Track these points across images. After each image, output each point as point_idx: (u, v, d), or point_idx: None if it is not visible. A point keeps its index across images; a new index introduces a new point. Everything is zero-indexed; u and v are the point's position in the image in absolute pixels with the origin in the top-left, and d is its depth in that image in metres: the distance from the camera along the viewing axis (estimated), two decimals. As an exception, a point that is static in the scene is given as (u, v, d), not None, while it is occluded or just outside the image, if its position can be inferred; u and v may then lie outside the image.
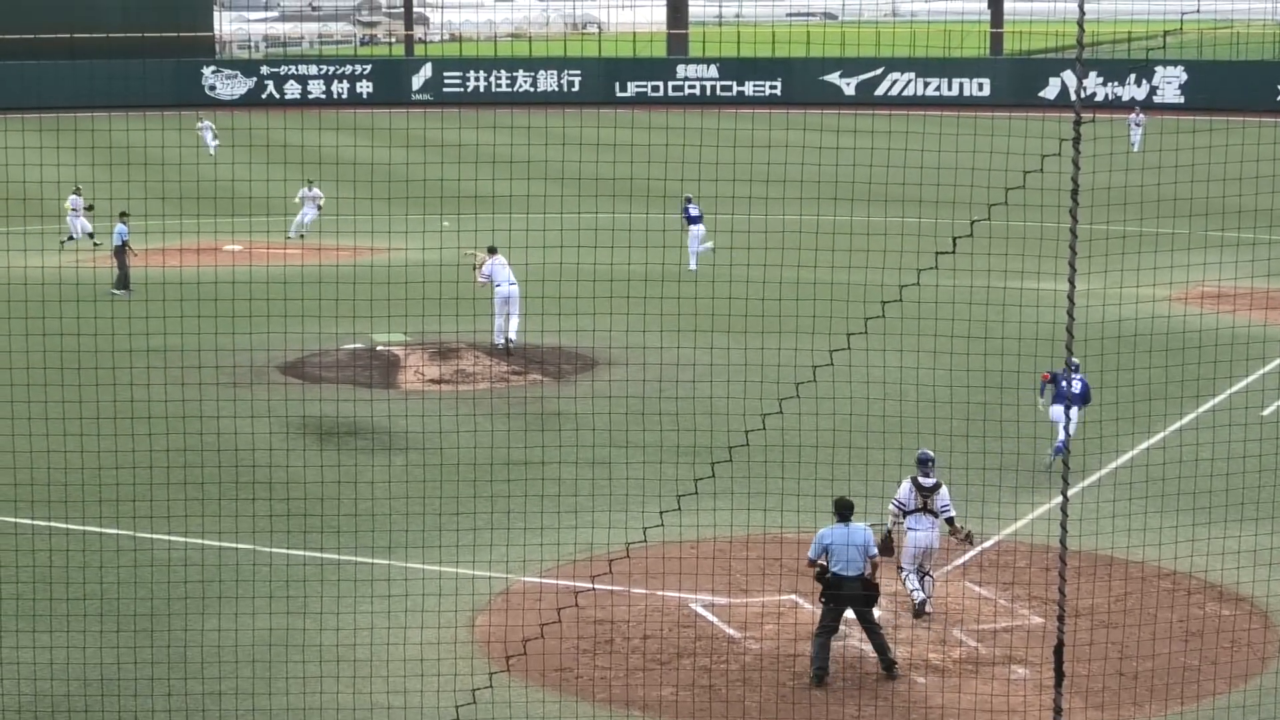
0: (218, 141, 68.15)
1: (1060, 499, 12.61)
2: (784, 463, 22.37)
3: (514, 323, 32.32)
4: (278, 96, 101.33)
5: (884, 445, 23.92)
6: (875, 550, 16.49)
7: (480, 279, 32.76)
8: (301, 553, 20.27)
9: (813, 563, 16.52)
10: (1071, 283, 12.29)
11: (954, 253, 15.69)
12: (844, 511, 16.51)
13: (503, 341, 32.23)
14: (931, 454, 18.69)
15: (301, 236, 48.44)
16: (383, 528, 21.38)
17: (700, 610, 18.30)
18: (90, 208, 44.98)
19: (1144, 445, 25.01)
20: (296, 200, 49.74)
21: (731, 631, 17.73)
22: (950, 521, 18.35)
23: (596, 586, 17.55)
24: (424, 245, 40.49)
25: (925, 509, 18.23)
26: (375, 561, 20.04)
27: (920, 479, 18.30)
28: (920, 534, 18.18)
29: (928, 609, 18.26)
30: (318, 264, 42.45)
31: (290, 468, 24.10)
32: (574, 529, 20.88)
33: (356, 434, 26.50)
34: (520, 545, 20.24)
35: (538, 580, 19.26)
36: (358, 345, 32.82)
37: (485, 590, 19.03)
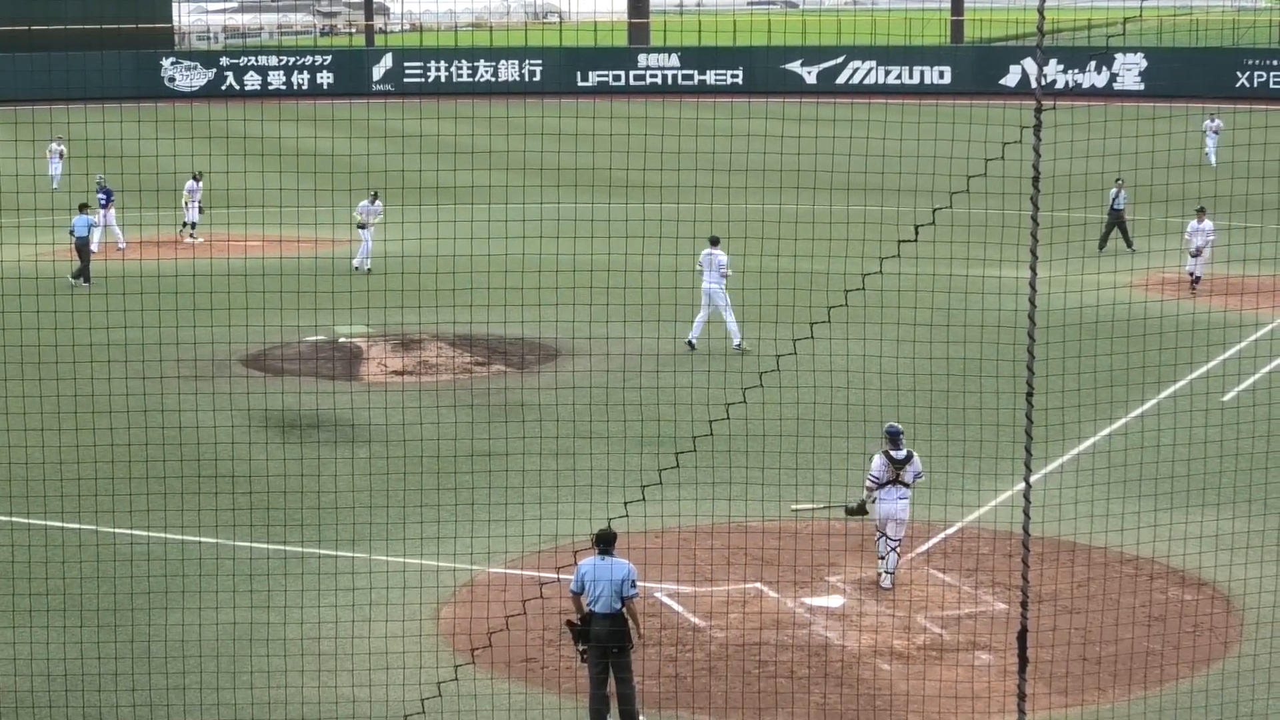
0: (59, 171, 57.60)
1: (1023, 485, 12.65)
2: (748, 452, 22.41)
3: (731, 325, 31.27)
4: (238, 88, 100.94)
5: (848, 434, 23.88)
6: (635, 590, 15.00)
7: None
8: (265, 546, 20.20)
9: (575, 596, 15.08)
10: (1033, 270, 12.31)
11: (916, 241, 15.80)
12: (603, 543, 15.12)
13: (692, 341, 31.54)
14: (900, 427, 19.05)
15: (369, 272, 40.90)
16: (346, 520, 21.33)
17: (665, 599, 18.31)
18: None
19: (1106, 431, 25.11)
20: (357, 216, 41.98)
21: (697, 620, 17.75)
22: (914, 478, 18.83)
23: (561, 577, 17.52)
24: (385, 236, 40.34)
25: (897, 480, 18.73)
26: (339, 554, 20.00)
27: (891, 452, 18.74)
28: (885, 505, 18.72)
29: (884, 583, 18.61)
30: (279, 256, 42.26)
31: (253, 461, 24.02)
32: (538, 520, 20.86)
33: (319, 427, 26.44)
34: (484, 537, 20.20)
35: (502, 571, 19.22)
36: (320, 337, 32.69)
37: (449, 582, 19.00)
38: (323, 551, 20.15)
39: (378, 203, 41.86)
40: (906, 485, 18.78)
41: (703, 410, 24.03)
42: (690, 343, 31.35)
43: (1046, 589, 18.34)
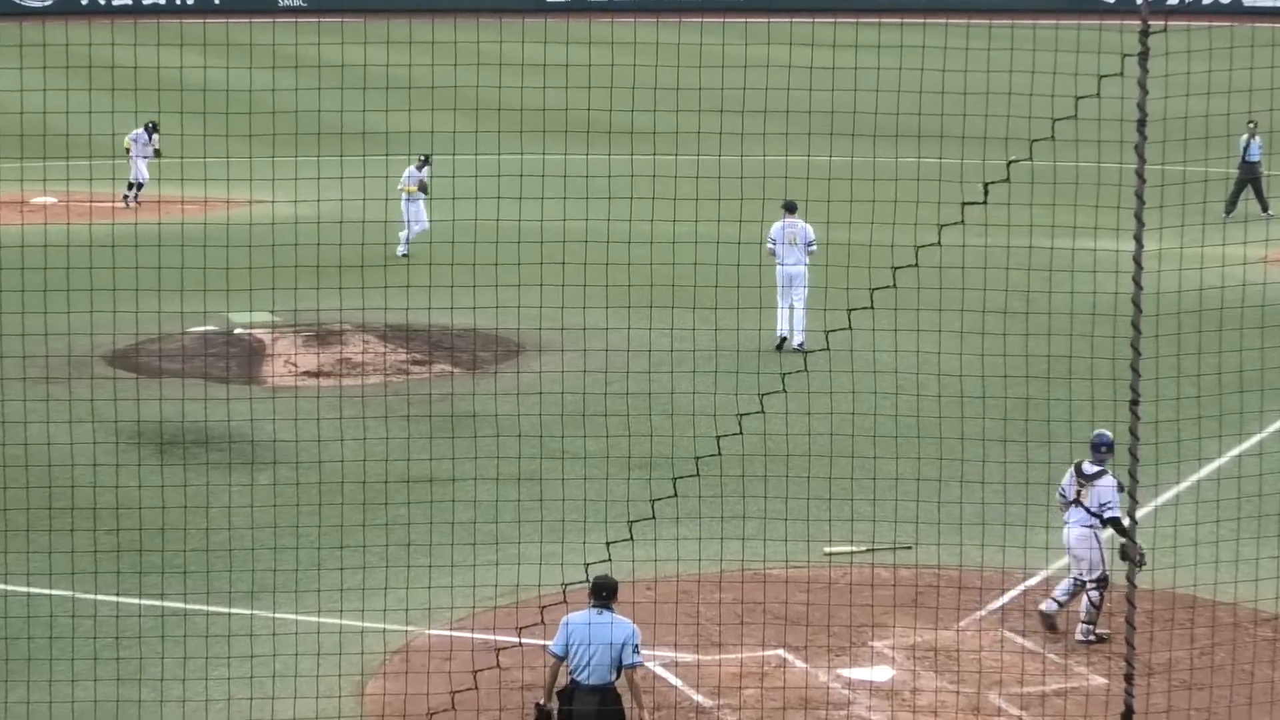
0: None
1: (1128, 521, 12.60)
2: (767, 477, 22.45)
3: (798, 317, 32.58)
4: (102, 2, 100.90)
5: (897, 453, 23.99)
6: (638, 658, 15.10)
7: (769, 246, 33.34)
8: (135, 601, 20.05)
9: (555, 662, 15.19)
10: (1138, 241, 12.30)
11: (986, 203, 15.85)
12: (602, 595, 15.20)
13: (779, 339, 32.68)
14: (1108, 435, 19.62)
15: (406, 256, 41.32)
16: (244, 566, 21.20)
17: (660, 670, 18.28)
18: None
19: (1234, 451, 25.14)
20: (401, 187, 42.34)
21: (701, 699, 17.70)
22: (1111, 523, 19.24)
23: (524, 641, 17.45)
24: (296, 196, 40.17)
25: (1078, 501, 19.66)
26: (234, 611, 19.95)
27: (1084, 465, 19.74)
28: (1065, 530, 19.79)
29: (1080, 635, 19.36)
30: (156, 221, 42.07)
31: (121, 489, 23.83)
32: (494, 566, 20.77)
33: (208, 444, 26.39)
34: (425, 588, 20.08)
35: (447, 633, 19.20)
36: (209, 328, 32.61)
37: (379, 647, 19.01)
38: (212, 608, 20.05)
39: (426, 168, 42.16)
40: (1088, 511, 19.53)
41: (708, 423, 23.80)
42: (783, 339, 32.47)
43: (1158, 658, 18.30)
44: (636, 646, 14.96)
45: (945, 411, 24.66)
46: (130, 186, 50.47)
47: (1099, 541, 19.52)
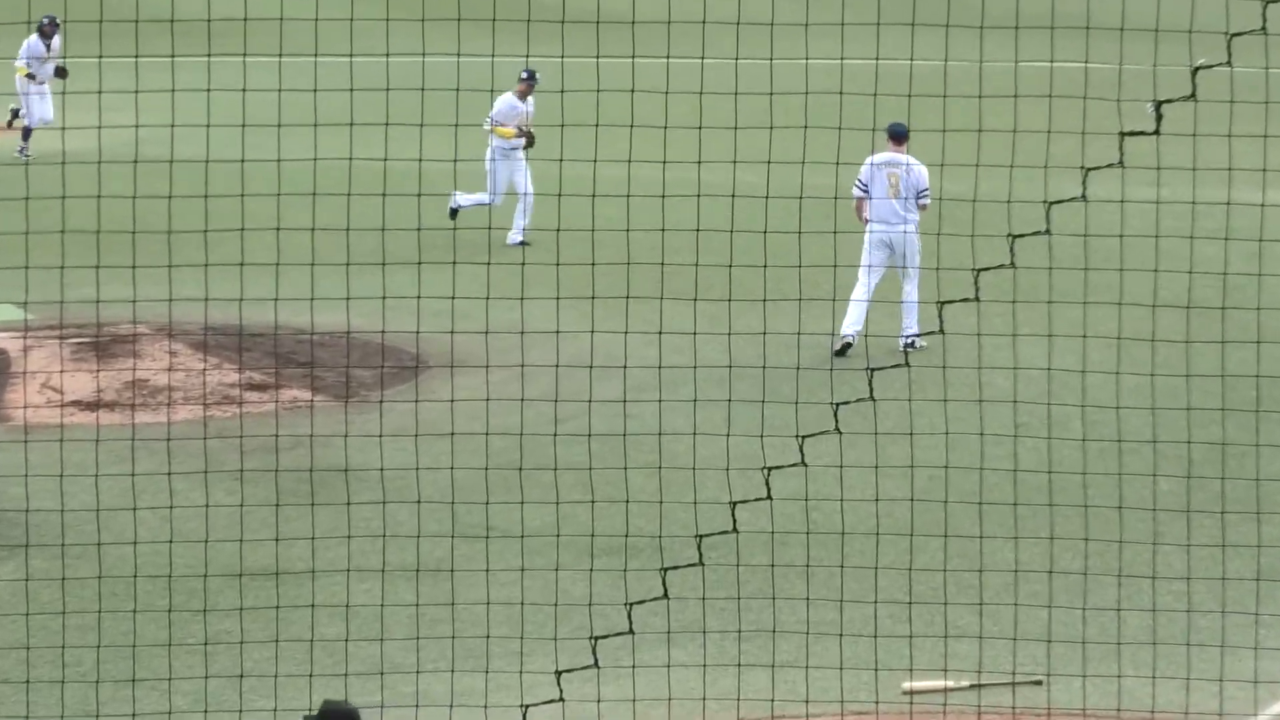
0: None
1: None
2: (810, 567, 22.51)
3: (908, 311, 33.22)
4: None
5: (1017, 530, 24.22)
6: None
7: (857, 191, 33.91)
8: None
9: None
10: None
11: (1158, 134, 16.51)
12: None
13: (847, 340, 33.31)
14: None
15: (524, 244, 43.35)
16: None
17: None
18: None
19: None
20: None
21: None
22: None
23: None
24: (64, 123, 40.02)
25: None
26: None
27: None
28: None
29: None
30: None
31: None
32: (378, 711, 20.70)
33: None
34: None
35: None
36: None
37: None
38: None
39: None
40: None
41: (718, 481, 23.88)
42: (847, 344, 33.13)
43: None
44: None
45: (1093, 464, 24.87)
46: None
47: None
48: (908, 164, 33.26)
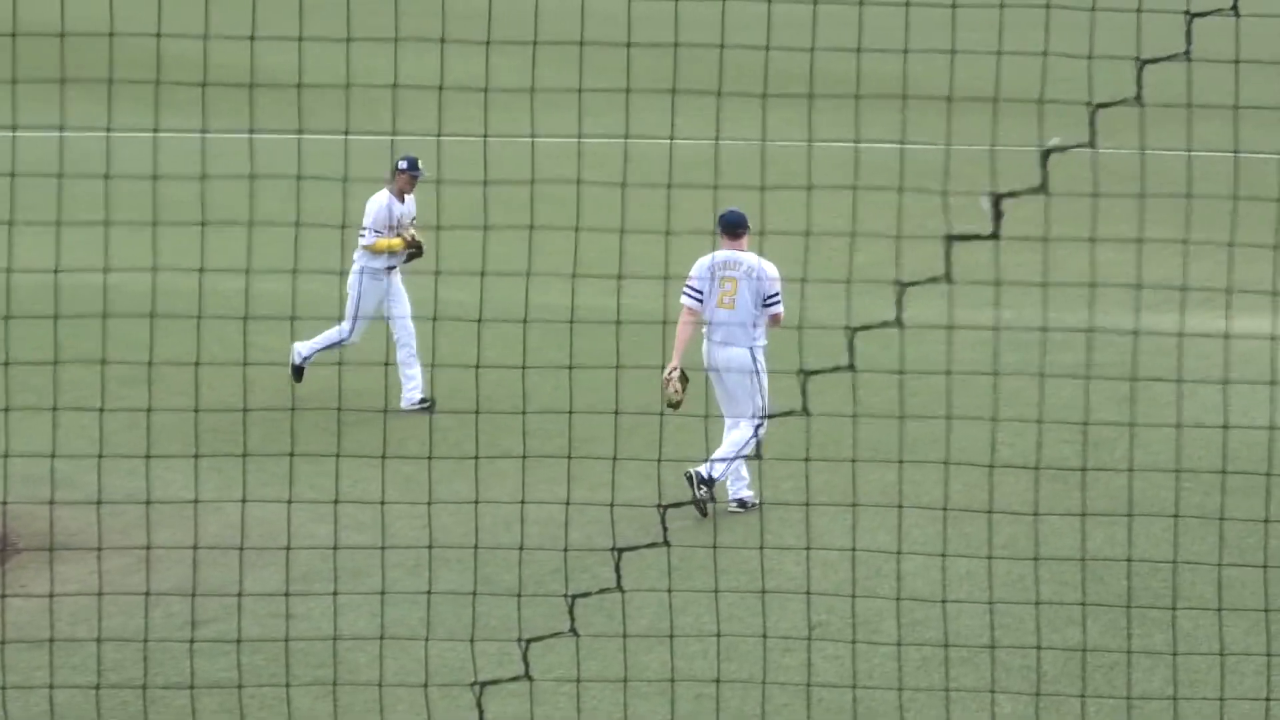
0: None
1: None
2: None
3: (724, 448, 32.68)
4: None
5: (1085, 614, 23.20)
6: None
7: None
8: None
9: None
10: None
11: (995, 236, 16.43)
12: None
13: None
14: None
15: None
16: None
17: None
18: None
19: None
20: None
21: None
22: None
23: None
24: None
25: None
26: None
27: None
28: None
29: None
30: None
31: None
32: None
33: None
34: None
35: None
36: None
37: None
38: None
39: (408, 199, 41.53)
40: None
41: (410, 706, 23.18)
42: (702, 499, 31.63)
43: None
44: None
45: (910, 679, 24.47)
46: None
47: None
48: (749, 265, 30.13)
